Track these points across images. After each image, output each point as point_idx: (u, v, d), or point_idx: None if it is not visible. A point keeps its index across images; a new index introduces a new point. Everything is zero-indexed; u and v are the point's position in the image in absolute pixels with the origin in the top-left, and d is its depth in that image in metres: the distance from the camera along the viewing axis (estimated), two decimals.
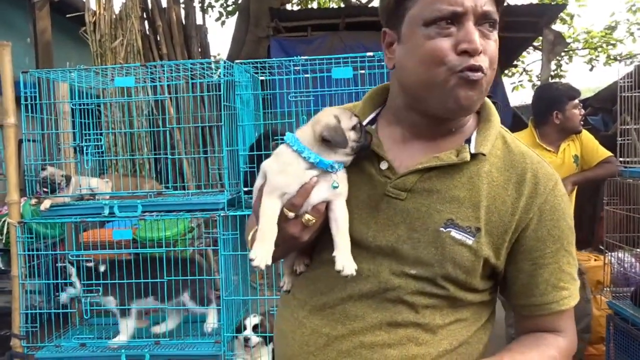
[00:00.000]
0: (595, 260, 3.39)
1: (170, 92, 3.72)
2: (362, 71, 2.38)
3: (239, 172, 2.47)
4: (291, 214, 0.88)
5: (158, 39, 5.00)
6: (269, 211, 0.88)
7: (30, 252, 2.43)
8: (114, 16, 4.74)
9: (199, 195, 2.55)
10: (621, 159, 2.62)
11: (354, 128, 0.92)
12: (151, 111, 4.32)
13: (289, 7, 7.76)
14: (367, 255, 0.92)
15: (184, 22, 5.26)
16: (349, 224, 0.91)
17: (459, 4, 0.82)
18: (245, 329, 2.44)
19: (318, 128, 0.90)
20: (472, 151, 0.91)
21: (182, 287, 2.41)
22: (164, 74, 2.61)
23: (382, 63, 2.34)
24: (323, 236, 0.94)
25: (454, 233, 0.88)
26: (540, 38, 5.83)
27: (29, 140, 2.53)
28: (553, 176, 0.93)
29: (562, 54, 9.72)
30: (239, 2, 7.78)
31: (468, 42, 0.82)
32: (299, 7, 9.14)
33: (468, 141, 0.93)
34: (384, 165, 0.94)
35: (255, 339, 2.42)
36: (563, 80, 9.06)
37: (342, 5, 8.59)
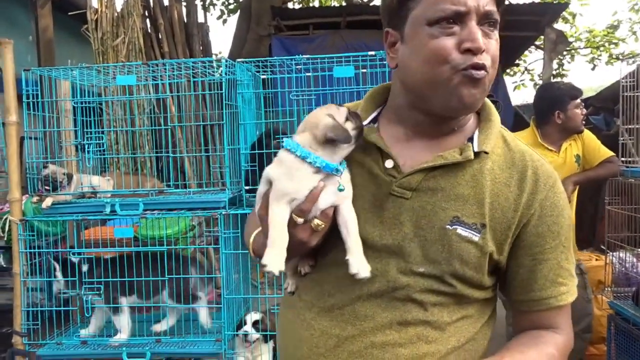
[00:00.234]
0: (596, 260, 3.39)
1: (172, 90, 3.72)
2: (364, 70, 2.38)
3: (240, 171, 2.47)
4: (300, 220, 0.89)
5: (160, 37, 4.99)
6: (278, 218, 0.88)
7: (32, 250, 2.43)
8: (116, 14, 4.73)
9: (200, 194, 2.55)
10: (623, 159, 2.61)
11: (347, 119, 0.93)
12: (153, 109, 4.32)
13: (290, 5, 7.76)
14: (374, 254, 0.92)
15: (185, 20, 5.25)
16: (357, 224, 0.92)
17: (462, 3, 0.84)
18: (245, 324, 2.44)
19: (319, 131, 0.90)
20: (475, 149, 0.93)
21: (161, 285, 2.38)
22: (165, 72, 2.61)
23: (384, 62, 2.34)
24: (328, 237, 0.94)
25: (460, 230, 0.90)
26: (542, 37, 5.82)
27: (30, 138, 2.53)
28: (552, 174, 0.96)
29: (564, 53, 9.70)
30: (241, 0, 7.77)
31: (471, 41, 0.84)
32: (301, 5, 9.13)
33: (470, 140, 0.95)
34: (389, 164, 0.95)
35: (254, 335, 2.42)
36: (565, 80, 9.06)
37: (344, 3, 8.58)
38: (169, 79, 2.73)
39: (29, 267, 2.44)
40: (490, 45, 0.87)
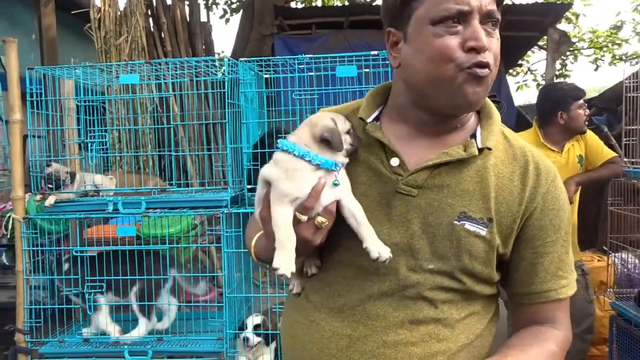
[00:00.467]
0: (598, 260, 3.39)
1: (175, 89, 3.73)
2: (367, 70, 2.38)
3: (242, 170, 2.47)
4: (304, 217, 0.89)
5: (162, 36, 5.00)
6: (283, 218, 0.88)
7: (35, 248, 2.44)
8: (119, 13, 4.74)
9: (203, 193, 2.55)
10: (626, 159, 2.61)
11: (348, 132, 0.95)
12: (155, 108, 4.33)
13: (293, 5, 7.77)
14: None
15: (188, 19, 5.26)
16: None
17: (465, 3, 0.85)
18: (246, 328, 2.43)
19: (317, 130, 0.92)
20: (479, 146, 0.94)
21: (130, 284, 2.37)
22: (168, 71, 2.62)
23: (387, 62, 2.34)
24: (333, 237, 0.95)
25: (468, 225, 0.91)
26: (545, 37, 5.81)
27: (34, 137, 2.54)
28: (552, 169, 0.98)
29: (567, 53, 9.68)
30: None
31: (475, 40, 0.86)
32: (303, 4, 9.13)
33: (473, 137, 0.97)
34: (394, 162, 0.96)
35: (254, 339, 2.42)
36: (568, 80, 9.02)
37: (347, 3, 8.58)
38: (171, 78, 2.73)
39: (32, 265, 2.45)
40: (492, 44, 0.89)
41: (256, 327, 2.43)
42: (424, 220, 0.92)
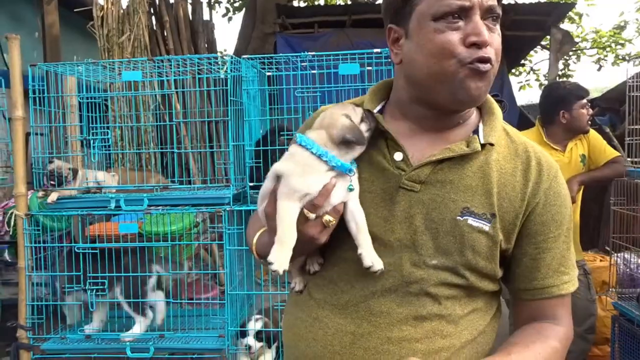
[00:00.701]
0: (600, 260, 3.38)
1: (177, 87, 3.73)
2: (369, 68, 2.38)
3: (244, 167, 2.47)
4: (312, 215, 0.89)
5: (165, 34, 5.01)
6: (288, 214, 0.88)
7: (37, 245, 2.45)
8: (122, 11, 4.75)
9: (205, 190, 2.56)
10: (629, 159, 2.60)
11: (362, 120, 0.95)
12: (158, 106, 4.33)
13: (295, 3, 7.77)
14: (387, 249, 0.93)
15: (191, 17, 5.26)
16: (365, 219, 0.93)
17: None
18: (247, 334, 2.41)
19: (337, 131, 0.91)
20: (482, 141, 0.94)
21: (116, 282, 2.35)
22: (170, 68, 2.62)
23: (389, 60, 2.33)
24: (336, 235, 0.94)
25: (471, 221, 0.91)
26: (548, 37, 5.80)
27: (36, 134, 2.54)
28: (554, 164, 0.98)
29: (570, 53, 9.66)
30: None
31: (477, 35, 0.86)
32: (306, 3, 9.13)
33: (475, 132, 0.97)
34: (398, 157, 0.96)
35: (257, 346, 2.40)
36: (571, 80, 9.00)
37: (349, 2, 8.57)
38: (174, 76, 2.73)
39: (34, 262, 2.45)
40: (493, 39, 0.89)
41: (258, 333, 2.42)
42: (427, 215, 0.92)
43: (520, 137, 1.00)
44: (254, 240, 1.04)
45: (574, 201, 2.65)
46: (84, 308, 2.48)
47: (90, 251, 2.34)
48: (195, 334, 2.40)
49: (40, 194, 2.45)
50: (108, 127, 2.83)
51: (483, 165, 0.94)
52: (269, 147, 2.36)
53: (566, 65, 10.30)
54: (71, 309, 2.46)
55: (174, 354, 2.39)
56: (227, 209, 2.31)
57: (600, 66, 10.53)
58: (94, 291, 2.34)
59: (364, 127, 0.94)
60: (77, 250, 2.35)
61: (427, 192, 0.93)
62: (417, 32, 0.90)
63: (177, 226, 2.66)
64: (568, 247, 0.98)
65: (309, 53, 2.40)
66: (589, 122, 2.78)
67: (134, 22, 4.72)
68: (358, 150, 0.94)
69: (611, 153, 2.82)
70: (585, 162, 2.83)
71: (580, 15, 9.89)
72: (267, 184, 0.96)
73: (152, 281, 2.42)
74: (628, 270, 2.92)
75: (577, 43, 9.64)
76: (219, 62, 2.54)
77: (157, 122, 4.06)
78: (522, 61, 9.06)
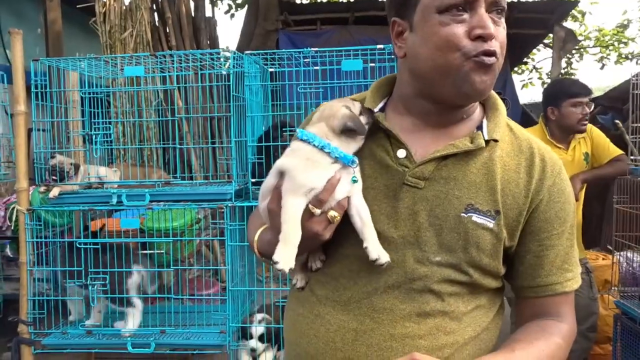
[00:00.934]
0: (603, 259, 3.37)
1: (179, 82, 3.72)
2: (372, 64, 2.37)
3: (246, 163, 2.47)
4: (318, 211, 0.89)
5: (167, 30, 5.01)
6: (293, 211, 0.87)
7: (38, 240, 2.45)
8: (124, 7, 4.75)
9: (207, 186, 2.55)
10: (632, 157, 2.59)
11: (361, 113, 0.95)
12: (160, 102, 4.33)
13: (298, 0, 7.74)
14: (391, 245, 0.92)
15: (193, 14, 5.25)
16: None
17: None
18: (251, 337, 2.41)
19: (336, 122, 0.91)
20: (486, 137, 0.93)
21: (94, 279, 2.34)
22: (173, 64, 2.61)
23: (392, 56, 2.33)
24: (339, 231, 0.94)
25: (475, 217, 0.90)
26: (551, 35, 5.78)
27: (38, 129, 2.54)
28: (558, 161, 0.98)
29: (573, 51, 9.63)
30: None
31: (482, 28, 0.85)
32: (308, 0, 9.11)
33: (479, 128, 0.96)
34: (401, 154, 0.95)
35: (261, 348, 2.41)
36: (573, 78, 8.98)
37: None
38: (176, 71, 2.73)
39: (36, 257, 2.45)
40: (499, 32, 0.88)
41: (260, 336, 2.42)
42: (430, 212, 0.91)
43: (524, 134, 0.99)
44: (256, 238, 1.03)
45: (577, 199, 2.64)
46: (85, 303, 2.48)
47: (91, 246, 2.34)
48: (197, 330, 2.40)
49: (42, 189, 2.44)
50: (110, 123, 2.82)
51: (487, 161, 0.93)
52: (271, 143, 2.36)
53: (569, 63, 10.28)
54: (74, 304, 2.45)
55: (175, 349, 2.39)
56: (229, 205, 2.30)
57: (603, 65, 10.50)
58: (95, 287, 2.34)
59: (363, 120, 0.94)
60: (78, 246, 2.35)
61: (431, 188, 0.92)
62: (421, 25, 0.89)
63: (179, 222, 2.66)
64: (571, 244, 0.98)
65: (312, 49, 2.39)
66: (584, 122, 2.68)
67: (136, 19, 4.72)
68: (359, 141, 0.93)
69: (614, 151, 2.81)
70: (589, 161, 2.82)
71: (583, 14, 9.87)
72: (269, 181, 0.95)
73: (135, 280, 2.40)
74: (630, 268, 2.92)
75: (580, 41, 9.61)
76: (222, 58, 2.54)
77: (159, 117, 4.06)
78: (525, 59, 9.04)
